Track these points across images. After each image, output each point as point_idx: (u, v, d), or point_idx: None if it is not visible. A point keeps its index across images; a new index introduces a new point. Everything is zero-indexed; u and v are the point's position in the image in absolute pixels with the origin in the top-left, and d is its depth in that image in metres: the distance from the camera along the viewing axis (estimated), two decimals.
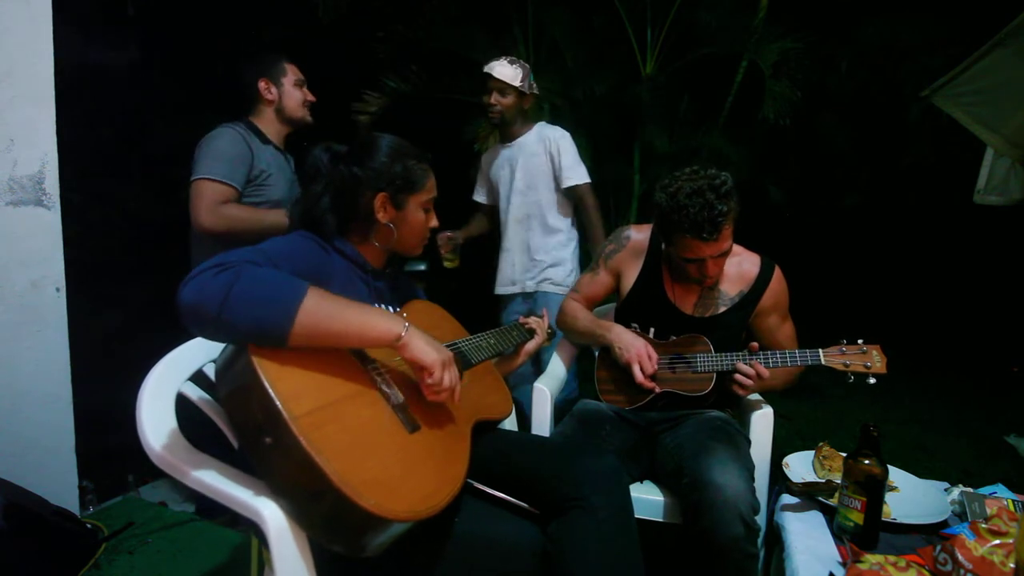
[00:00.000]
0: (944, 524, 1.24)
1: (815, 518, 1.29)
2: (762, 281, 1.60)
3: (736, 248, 1.60)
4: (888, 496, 1.30)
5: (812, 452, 1.53)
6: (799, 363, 1.47)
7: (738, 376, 1.47)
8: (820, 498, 1.31)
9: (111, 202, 2.17)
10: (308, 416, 0.82)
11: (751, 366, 1.46)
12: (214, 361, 1.05)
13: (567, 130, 2.33)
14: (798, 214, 4.61)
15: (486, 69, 2.22)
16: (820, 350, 1.46)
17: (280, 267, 0.94)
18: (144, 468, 2.12)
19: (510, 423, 1.52)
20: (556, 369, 1.88)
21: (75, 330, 1.77)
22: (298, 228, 1.18)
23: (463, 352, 1.28)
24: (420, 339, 0.98)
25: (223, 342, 0.91)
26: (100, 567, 1.65)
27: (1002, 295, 4.48)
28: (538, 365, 2.14)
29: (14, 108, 1.60)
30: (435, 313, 1.36)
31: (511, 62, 2.22)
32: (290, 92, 1.91)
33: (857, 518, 1.16)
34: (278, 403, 0.81)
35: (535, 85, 2.29)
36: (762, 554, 1.42)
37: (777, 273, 1.62)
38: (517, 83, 2.20)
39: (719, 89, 3.72)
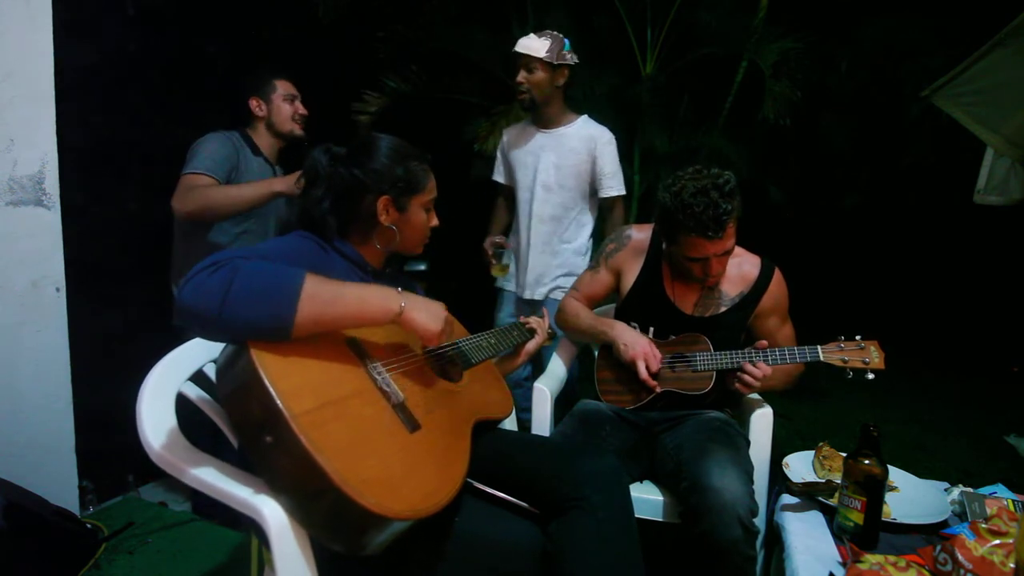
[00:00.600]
0: (944, 524, 1.24)
1: (815, 518, 1.29)
2: (762, 282, 1.61)
3: (737, 249, 1.60)
4: (888, 496, 1.30)
5: (812, 452, 1.53)
6: (798, 360, 1.48)
7: (742, 375, 1.47)
8: (820, 498, 1.31)
9: (111, 202, 2.17)
10: (309, 414, 0.82)
11: (756, 366, 1.46)
12: (214, 361, 1.05)
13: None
14: (798, 214, 4.61)
15: (514, 49, 2.06)
16: (819, 347, 1.47)
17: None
18: (144, 468, 2.12)
19: (510, 423, 1.52)
20: (556, 369, 1.88)
21: (75, 330, 1.77)
22: (297, 229, 1.18)
23: (464, 352, 1.28)
24: (418, 311, 1.00)
25: (226, 341, 0.90)
26: (100, 567, 1.65)
27: (1002, 295, 4.48)
28: (539, 365, 2.12)
29: (14, 108, 1.60)
30: None
31: (539, 34, 2.04)
32: (279, 107, 1.97)
33: (857, 518, 1.16)
34: (279, 401, 0.81)
35: (568, 55, 2.04)
36: (762, 554, 1.43)
37: (777, 275, 1.62)
38: (543, 54, 1.99)
39: (719, 89, 3.71)
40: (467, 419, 1.15)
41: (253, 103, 1.97)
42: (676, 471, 1.41)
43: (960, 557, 1.02)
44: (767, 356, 1.48)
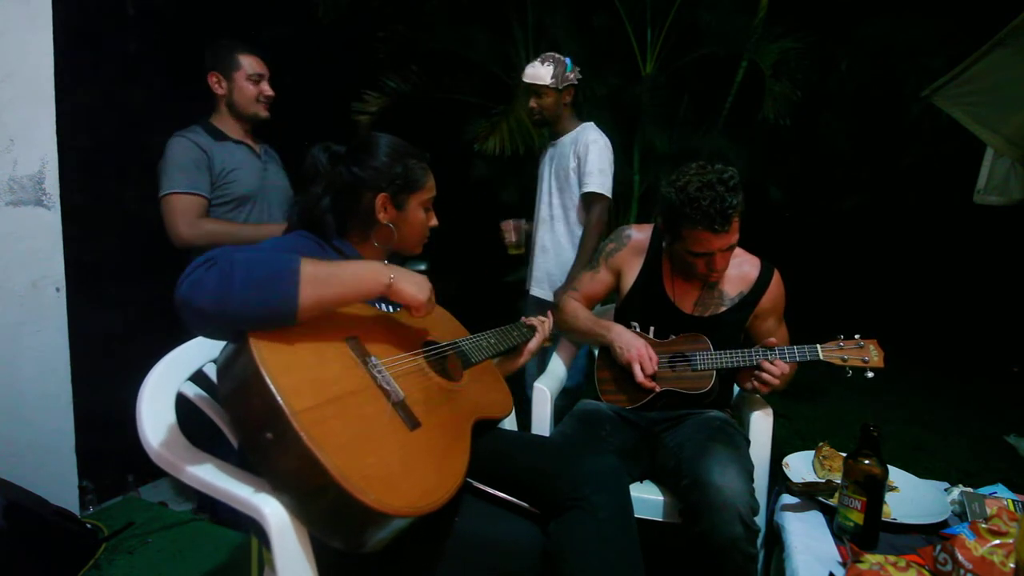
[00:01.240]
0: (944, 524, 1.24)
1: (815, 518, 1.29)
2: (762, 283, 1.61)
3: (737, 250, 1.60)
4: (888, 496, 1.30)
5: (812, 452, 1.53)
6: (797, 359, 1.48)
7: (761, 374, 1.47)
8: (820, 498, 1.31)
9: (111, 202, 2.17)
10: (309, 411, 0.83)
11: (774, 363, 1.46)
12: (214, 361, 1.05)
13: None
14: (798, 214, 4.62)
15: (522, 79, 2.21)
16: (818, 346, 1.47)
17: None
18: (144, 468, 2.12)
19: (510, 423, 1.52)
20: (556, 369, 1.88)
21: (75, 330, 1.77)
22: (297, 228, 1.18)
23: (464, 351, 1.28)
24: (405, 282, 1.03)
25: (227, 336, 0.90)
26: (100, 567, 1.65)
27: (1002, 295, 4.48)
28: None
29: (14, 108, 1.60)
30: (435, 312, 1.36)
31: (542, 61, 2.17)
32: (242, 87, 1.82)
33: (857, 518, 1.16)
34: (279, 398, 0.81)
35: (571, 75, 2.18)
36: (762, 554, 1.42)
37: (776, 276, 1.62)
38: (548, 81, 2.14)
39: (719, 89, 3.72)
40: (467, 418, 1.15)
41: (212, 79, 1.81)
42: (677, 469, 1.41)
43: (960, 557, 1.02)
44: (768, 355, 1.48)
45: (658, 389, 1.57)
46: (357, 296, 0.99)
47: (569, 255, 2.24)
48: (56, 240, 1.72)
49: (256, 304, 0.84)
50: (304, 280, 0.87)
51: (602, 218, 2.16)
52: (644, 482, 1.57)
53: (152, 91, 2.27)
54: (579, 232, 2.23)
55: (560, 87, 2.16)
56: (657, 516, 1.48)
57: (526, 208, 2.53)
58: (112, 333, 2.09)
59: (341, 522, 0.84)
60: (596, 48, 3.58)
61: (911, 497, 1.35)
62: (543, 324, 1.58)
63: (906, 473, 1.44)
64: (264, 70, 1.87)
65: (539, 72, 2.15)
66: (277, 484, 0.86)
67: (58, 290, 1.73)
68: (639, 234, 1.71)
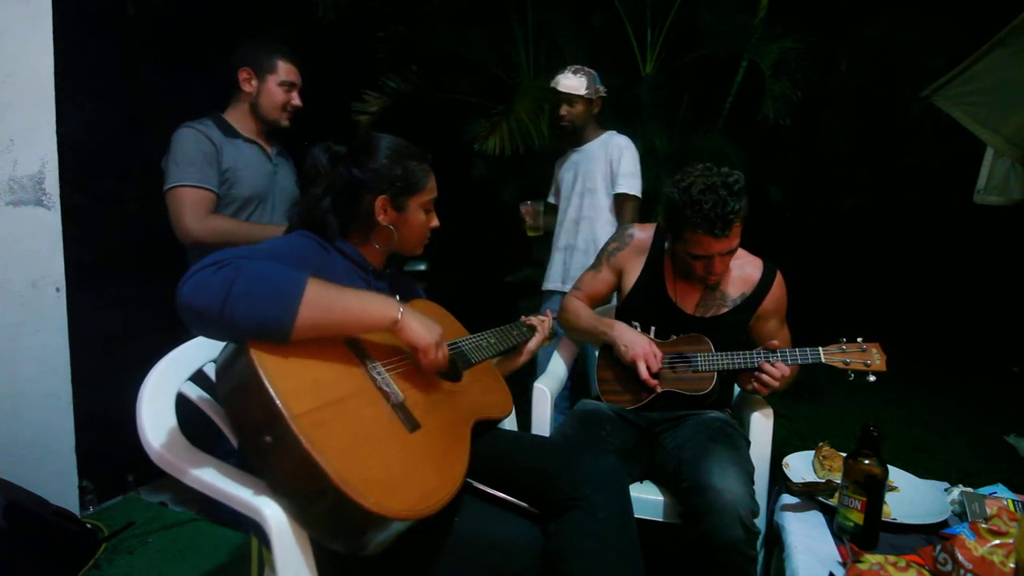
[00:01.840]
0: (944, 524, 1.24)
1: (815, 518, 1.29)
2: (764, 284, 1.61)
3: (739, 251, 1.60)
4: (888, 496, 1.30)
5: (812, 452, 1.53)
6: (799, 361, 1.48)
7: (761, 375, 1.47)
8: (820, 498, 1.31)
9: (111, 202, 2.17)
10: (308, 415, 0.83)
11: (775, 365, 1.46)
12: (214, 361, 1.05)
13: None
14: (798, 214, 4.61)
15: (552, 85, 2.32)
16: (820, 348, 1.47)
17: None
18: (144, 468, 2.12)
19: (510, 423, 1.52)
20: (556, 369, 1.88)
21: (75, 330, 1.77)
22: (298, 229, 1.18)
23: (464, 351, 1.28)
24: (414, 321, 1.01)
25: (225, 340, 0.90)
26: (100, 567, 1.65)
27: (1002, 295, 4.48)
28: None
29: (14, 108, 1.60)
30: (435, 312, 1.36)
31: (575, 72, 2.30)
32: (271, 91, 1.78)
33: (857, 518, 1.16)
34: (278, 402, 0.81)
35: (601, 88, 2.34)
36: (762, 554, 1.42)
37: (778, 278, 1.62)
38: (583, 92, 2.27)
39: (719, 89, 3.71)
40: (467, 419, 1.15)
41: (242, 75, 1.76)
42: (677, 471, 1.41)
43: (960, 557, 1.02)
44: (769, 357, 1.48)
45: (659, 389, 1.57)
46: (359, 327, 0.98)
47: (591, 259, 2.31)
48: (56, 240, 1.72)
49: (252, 316, 0.84)
50: (306, 302, 0.87)
51: (635, 217, 2.32)
52: (644, 482, 1.57)
53: (152, 91, 2.27)
54: (611, 231, 2.28)
55: (592, 98, 2.31)
56: (657, 516, 1.48)
57: None
58: (112, 333, 2.09)
59: (341, 525, 0.84)
60: (596, 48, 3.58)
61: (911, 497, 1.35)
62: (543, 323, 1.58)
63: (906, 473, 1.44)
64: (298, 79, 1.82)
65: (574, 82, 2.28)
66: (277, 487, 0.86)
67: (58, 290, 1.73)
68: (642, 234, 1.71)
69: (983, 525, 1.06)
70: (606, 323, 1.66)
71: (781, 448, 1.62)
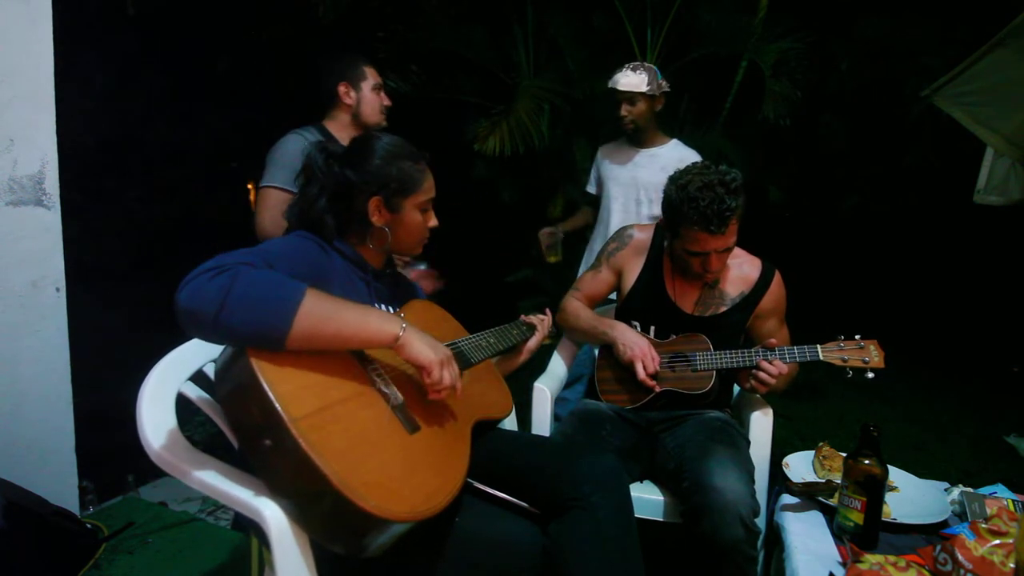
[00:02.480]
0: (944, 524, 1.24)
1: (815, 518, 1.29)
2: (763, 284, 1.61)
3: (738, 251, 1.61)
4: (888, 496, 1.30)
5: (812, 452, 1.53)
6: (797, 359, 1.48)
7: (759, 373, 1.47)
8: (820, 498, 1.31)
9: (111, 202, 2.18)
10: (307, 418, 0.82)
11: (772, 363, 1.46)
12: (214, 361, 1.05)
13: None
14: (798, 214, 4.61)
15: (610, 85, 2.22)
16: (818, 346, 1.47)
17: (278, 268, 0.93)
18: (144, 468, 2.12)
19: (510, 423, 1.52)
20: (556, 369, 1.88)
21: (75, 330, 1.77)
22: (296, 229, 1.18)
23: (463, 351, 1.28)
24: (418, 339, 0.98)
25: (221, 344, 0.91)
26: (100, 567, 1.65)
27: (1002, 295, 4.48)
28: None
29: (14, 108, 1.60)
30: (434, 313, 1.36)
31: (634, 69, 2.21)
32: (368, 97, 1.87)
33: (857, 518, 1.16)
34: (277, 405, 0.80)
35: (664, 83, 2.25)
36: (762, 554, 1.42)
37: (777, 277, 1.62)
38: (644, 88, 2.18)
39: (719, 89, 3.71)
40: (467, 420, 1.15)
41: (342, 89, 1.83)
42: (677, 471, 1.41)
43: (960, 557, 1.02)
44: (768, 355, 1.48)
45: (659, 389, 1.57)
46: (357, 342, 0.96)
47: None
48: (56, 240, 1.72)
49: (247, 323, 0.84)
50: (301, 312, 0.86)
51: None
52: (644, 482, 1.57)
53: (152, 91, 2.27)
54: None
55: (655, 94, 2.20)
56: (657, 516, 1.48)
57: (527, 207, 2.54)
58: (112, 333, 2.09)
59: (341, 528, 0.84)
60: (596, 48, 3.58)
61: (911, 497, 1.35)
62: (542, 322, 1.58)
63: (906, 473, 1.44)
64: (381, 80, 1.89)
65: (633, 80, 2.18)
66: (276, 489, 0.86)
67: (58, 290, 1.73)
68: (641, 234, 1.72)
69: (983, 525, 1.06)
70: (605, 323, 1.67)
71: (781, 448, 1.62)
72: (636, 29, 3.49)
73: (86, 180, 1.96)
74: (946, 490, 1.40)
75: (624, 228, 1.78)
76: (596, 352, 1.82)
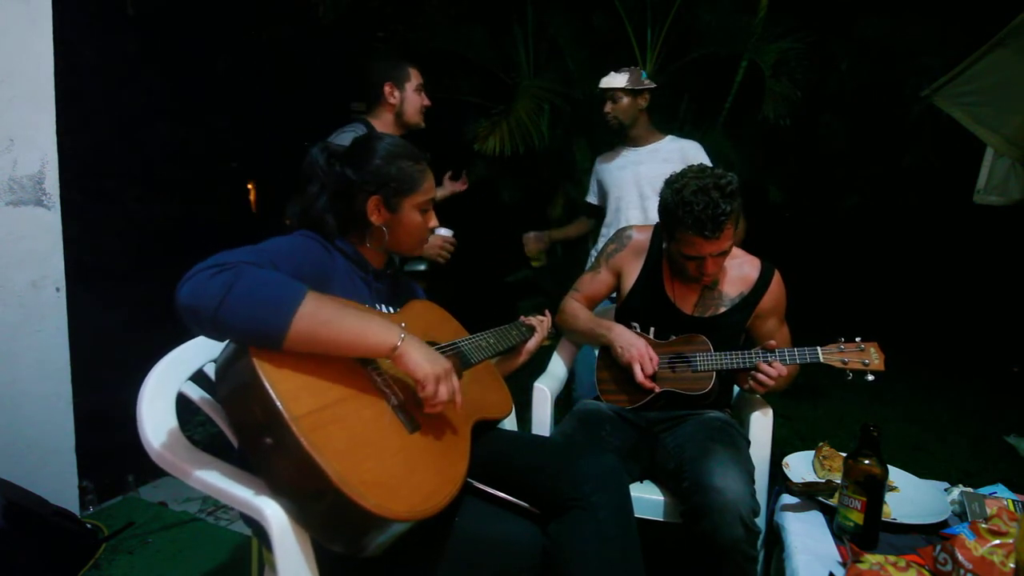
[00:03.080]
0: (944, 524, 1.24)
1: (815, 518, 1.29)
2: (762, 284, 1.61)
3: (737, 251, 1.61)
4: (888, 496, 1.30)
5: (812, 452, 1.53)
6: (797, 361, 1.48)
7: (757, 374, 1.47)
8: (820, 498, 1.31)
9: (111, 202, 2.18)
10: (308, 416, 0.82)
11: (772, 365, 1.46)
12: (214, 361, 1.05)
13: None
14: (798, 214, 4.61)
15: (599, 88, 2.29)
16: (818, 348, 1.47)
17: (280, 267, 0.93)
18: (144, 468, 2.12)
19: (510, 423, 1.52)
20: (556, 369, 1.88)
21: (75, 330, 1.77)
22: (298, 228, 1.18)
23: (463, 352, 1.28)
24: (416, 351, 0.97)
25: (220, 341, 0.91)
26: (100, 567, 1.65)
27: (1002, 295, 4.48)
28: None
29: (14, 108, 1.60)
30: (435, 313, 1.36)
31: (617, 71, 2.27)
32: (411, 97, 1.94)
33: (857, 518, 1.16)
34: (278, 403, 0.81)
35: (647, 81, 2.29)
36: (762, 554, 1.42)
37: (777, 277, 1.62)
38: (624, 84, 2.23)
39: (719, 89, 3.71)
40: (467, 419, 1.15)
41: (387, 88, 1.91)
42: (677, 471, 1.41)
43: (960, 557, 1.02)
44: (767, 357, 1.48)
45: (658, 390, 1.57)
46: (353, 349, 0.94)
47: None
48: (56, 240, 1.72)
49: (245, 321, 0.84)
50: (300, 315, 0.85)
51: None
52: (644, 482, 1.57)
53: (152, 91, 2.28)
54: None
55: (635, 88, 2.24)
56: (657, 516, 1.48)
57: (527, 207, 2.54)
58: (112, 333, 2.09)
59: (341, 527, 0.84)
60: (596, 48, 3.58)
61: (911, 497, 1.35)
62: (542, 323, 1.58)
63: (906, 473, 1.44)
64: (422, 80, 1.98)
65: (616, 79, 2.25)
66: (277, 488, 0.86)
67: (58, 290, 1.73)
68: (640, 235, 1.72)
69: (983, 525, 1.06)
70: (604, 325, 1.67)
71: (781, 448, 1.62)
72: (636, 29, 3.49)
73: (86, 180, 1.96)
74: (946, 490, 1.40)
75: (623, 229, 1.78)
76: (596, 352, 1.82)
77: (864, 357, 1.43)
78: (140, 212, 2.22)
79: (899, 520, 1.24)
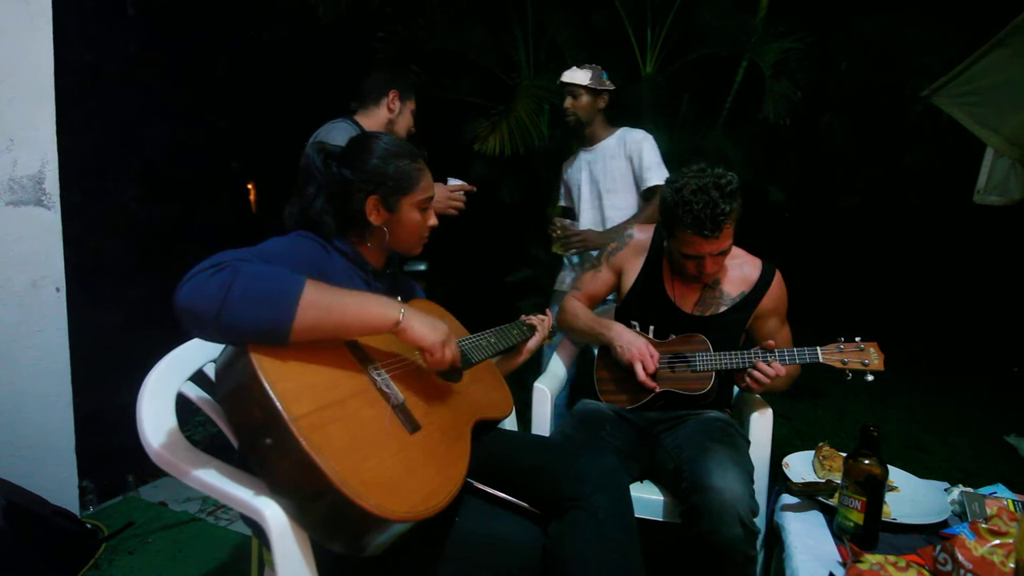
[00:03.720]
0: (944, 524, 1.24)
1: (815, 518, 1.29)
2: (763, 284, 1.61)
3: (738, 251, 1.61)
4: (888, 496, 1.30)
5: (812, 452, 1.53)
6: (797, 361, 1.48)
7: (754, 372, 1.47)
8: (820, 498, 1.31)
9: (111, 202, 2.18)
10: (308, 417, 0.82)
11: (770, 365, 1.46)
12: (214, 361, 1.05)
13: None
14: (798, 214, 4.61)
15: (559, 81, 2.30)
16: (818, 348, 1.47)
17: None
18: (144, 468, 2.12)
19: (510, 423, 1.52)
20: (556, 369, 1.88)
21: (75, 330, 1.77)
22: (296, 229, 1.18)
23: (463, 351, 1.28)
24: (418, 321, 1.00)
25: (223, 343, 0.90)
26: (100, 567, 1.65)
27: (1002, 295, 4.48)
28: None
29: (14, 108, 1.60)
30: (435, 312, 1.36)
31: (579, 67, 2.29)
32: (406, 115, 2.00)
33: (857, 518, 1.16)
34: (278, 404, 0.81)
35: (608, 82, 2.30)
36: (762, 554, 1.42)
37: (778, 277, 1.62)
38: (587, 82, 2.24)
39: (719, 89, 3.71)
40: (467, 419, 1.15)
41: (391, 95, 1.95)
42: (677, 471, 1.41)
43: (960, 557, 1.02)
44: (767, 356, 1.48)
45: (658, 389, 1.57)
46: (359, 329, 0.97)
47: None
48: (56, 240, 1.72)
49: (250, 319, 0.84)
50: (303, 304, 0.86)
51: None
52: (644, 482, 1.57)
53: (152, 91, 2.28)
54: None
55: (597, 89, 2.25)
56: (657, 516, 1.48)
57: (527, 207, 2.54)
58: (112, 333, 2.09)
59: (341, 527, 0.84)
60: (596, 48, 3.58)
61: (911, 497, 1.35)
62: (543, 323, 1.58)
63: (906, 473, 1.44)
64: (415, 109, 2.04)
65: (576, 75, 2.26)
66: (277, 488, 0.86)
67: (58, 290, 1.73)
68: (641, 234, 1.72)
69: (983, 525, 1.06)
70: (604, 324, 1.67)
71: (781, 448, 1.62)
72: (636, 29, 3.49)
73: (86, 180, 1.96)
74: (946, 490, 1.40)
75: (624, 228, 1.78)
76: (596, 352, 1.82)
77: (864, 357, 1.43)
78: (140, 212, 2.22)
79: (899, 520, 1.24)
